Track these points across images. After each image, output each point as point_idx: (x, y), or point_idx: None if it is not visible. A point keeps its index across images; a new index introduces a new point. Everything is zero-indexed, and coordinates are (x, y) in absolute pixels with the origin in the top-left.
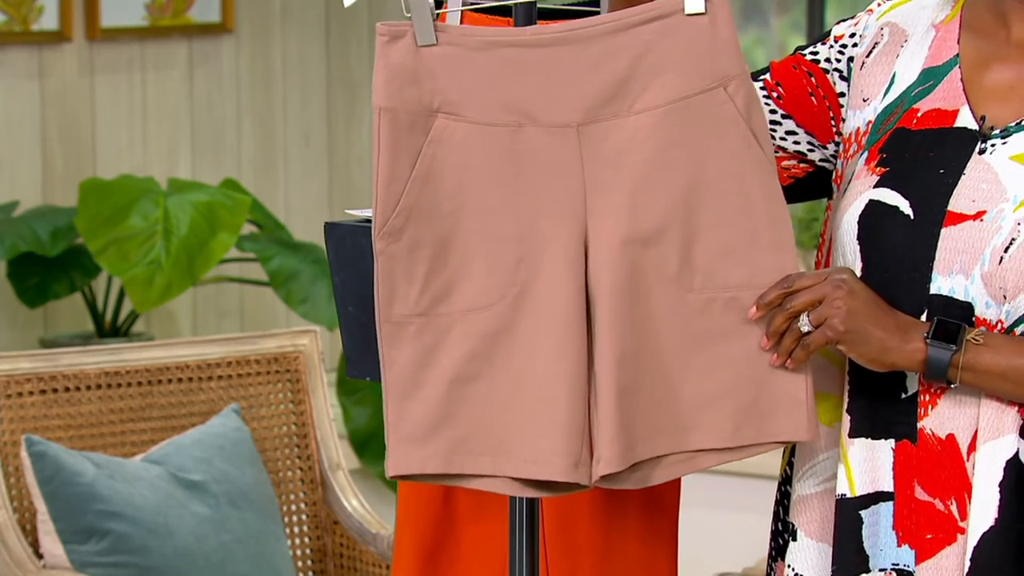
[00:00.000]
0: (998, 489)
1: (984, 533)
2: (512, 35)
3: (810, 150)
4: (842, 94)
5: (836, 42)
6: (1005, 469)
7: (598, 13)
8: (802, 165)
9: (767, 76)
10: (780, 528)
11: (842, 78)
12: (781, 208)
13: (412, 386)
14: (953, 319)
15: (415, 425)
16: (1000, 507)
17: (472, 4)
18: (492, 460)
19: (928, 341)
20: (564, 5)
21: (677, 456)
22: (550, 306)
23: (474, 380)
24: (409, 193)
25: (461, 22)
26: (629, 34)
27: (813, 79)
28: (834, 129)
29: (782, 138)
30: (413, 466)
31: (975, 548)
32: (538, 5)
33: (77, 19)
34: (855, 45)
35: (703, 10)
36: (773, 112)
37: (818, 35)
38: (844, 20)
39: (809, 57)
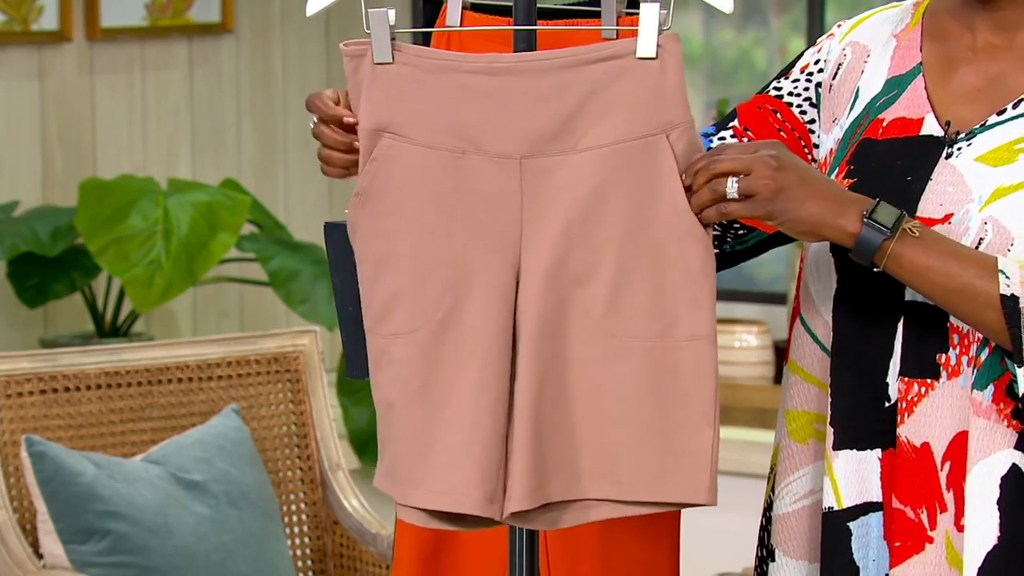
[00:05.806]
0: (997, 507)
1: (989, 552)
2: (468, 61)
3: None
4: (812, 121)
5: (802, 72)
6: (1001, 486)
7: (598, 14)
8: None
9: (735, 123)
10: (764, 554)
11: (811, 105)
12: (708, 262)
13: (379, 404)
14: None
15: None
16: (1001, 525)
17: (472, 3)
18: (404, 489)
19: (865, 220)
20: (564, 5)
21: (583, 502)
22: (475, 337)
23: (396, 406)
24: (351, 207)
25: (462, 22)
26: (581, 71)
27: (779, 115)
28: (809, 156)
29: None
30: (382, 485)
31: (980, 569)
32: (538, 5)
33: (77, 19)
34: (821, 71)
35: (654, 55)
36: None
37: (785, 66)
38: (808, 48)
39: (773, 94)
